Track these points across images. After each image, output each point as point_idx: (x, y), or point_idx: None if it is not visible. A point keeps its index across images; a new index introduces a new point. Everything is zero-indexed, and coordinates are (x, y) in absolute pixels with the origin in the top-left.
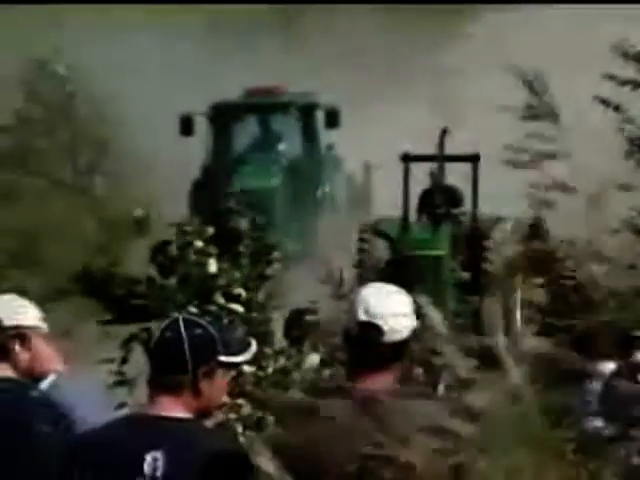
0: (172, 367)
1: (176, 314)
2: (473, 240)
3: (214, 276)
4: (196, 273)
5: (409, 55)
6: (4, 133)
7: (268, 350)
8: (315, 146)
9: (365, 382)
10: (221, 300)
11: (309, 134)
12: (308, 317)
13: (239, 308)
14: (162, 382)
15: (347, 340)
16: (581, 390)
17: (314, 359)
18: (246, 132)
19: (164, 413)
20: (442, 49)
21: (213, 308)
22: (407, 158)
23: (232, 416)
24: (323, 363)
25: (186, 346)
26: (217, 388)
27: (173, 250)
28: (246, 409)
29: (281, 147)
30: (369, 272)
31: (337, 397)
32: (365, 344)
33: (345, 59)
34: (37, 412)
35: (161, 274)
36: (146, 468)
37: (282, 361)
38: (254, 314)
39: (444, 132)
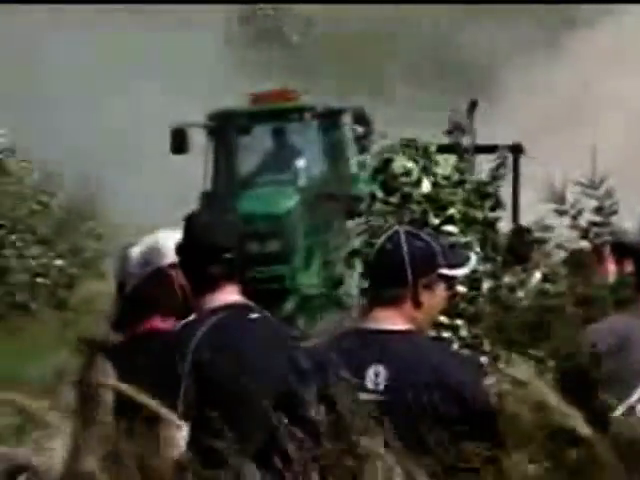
0: (392, 279)
1: (397, 227)
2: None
3: (428, 197)
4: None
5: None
6: None
7: (483, 268)
8: (342, 162)
9: None
10: (436, 221)
11: (334, 147)
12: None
13: (453, 229)
14: (382, 295)
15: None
16: None
17: (537, 277)
18: (255, 147)
19: (384, 326)
20: None
21: (427, 230)
22: None
23: (448, 334)
24: (545, 280)
25: (406, 258)
26: (436, 301)
27: (395, 169)
28: (463, 330)
29: (299, 164)
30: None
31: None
32: None
33: None
34: (276, 332)
35: (384, 192)
36: (368, 382)
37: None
38: (471, 235)
39: (473, 105)
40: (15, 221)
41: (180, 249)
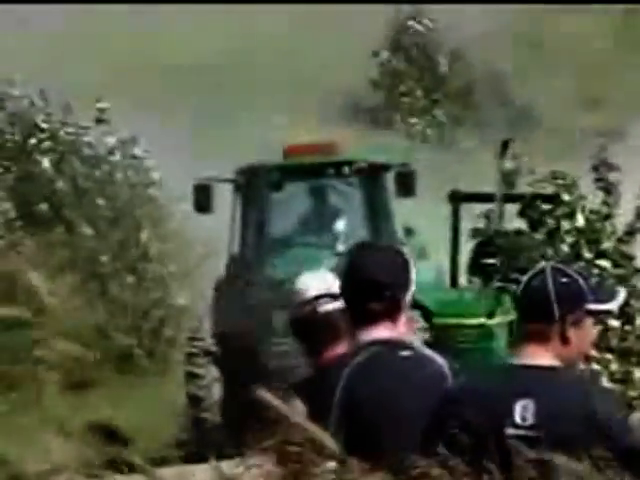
0: (539, 315)
1: (543, 264)
2: None
3: (581, 230)
4: (563, 227)
5: None
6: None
7: (637, 304)
8: (386, 225)
9: None
10: (589, 255)
11: (376, 208)
12: None
13: (606, 264)
14: (529, 330)
15: None
16: None
17: None
18: (288, 207)
19: (532, 362)
20: None
21: (581, 264)
22: (456, 197)
23: (597, 368)
24: None
25: (552, 294)
26: (585, 337)
27: (542, 205)
28: (614, 365)
29: (338, 226)
30: None
31: None
32: None
33: None
34: (417, 368)
35: (530, 228)
36: (516, 417)
37: None
38: (623, 270)
39: (505, 145)
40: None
41: (343, 283)
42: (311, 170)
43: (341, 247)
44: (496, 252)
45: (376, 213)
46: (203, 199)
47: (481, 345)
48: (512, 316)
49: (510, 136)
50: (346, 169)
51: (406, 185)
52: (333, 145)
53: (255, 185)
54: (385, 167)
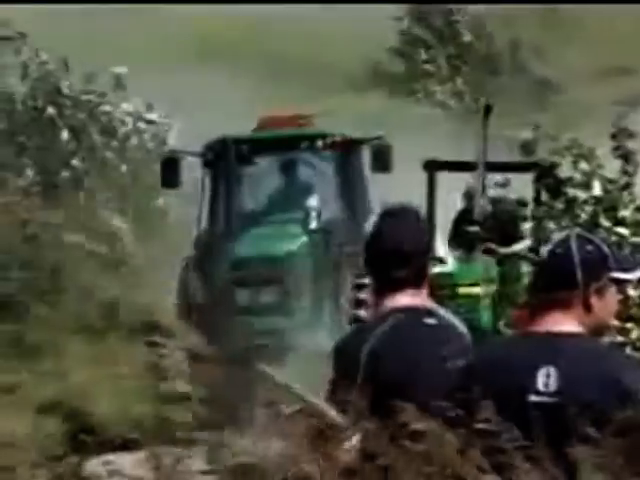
0: (563, 282)
1: (567, 231)
2: None
3: (599, 199)
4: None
5: None
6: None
7: None
8: (360, 200)
9: None
10: (607, 223)
11: (351, 183)
12: None
13: (625, 231)
14: (552, 298)
15: None
16: None
17: None
18: (259, 181)
19: (555, 328)
20: None
21: (599, 231)
22: (432, 166)
23: (620, 339)
24: None
25: (577, 262)
26: (608, 305)
27: (560, 172)
28: (634, 333)
29: (311, 202)
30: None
31: None
32: None
33: None
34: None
35: (549, 195)
36: (539, 383)
37: None
38: None
39: (487, 109)
40: None
41: (367, 250)
42: (282, 143)
43: (314, 224)
44: (479, 220)
45: (350, 188)
46: (170, 174)
47: (464, 316)
48: (495, 286)
49: (529, 105)
50: (319, 142)
51: (381, 160)
52: (309, 117)
53: (224, 159)
54: (360, 141)
